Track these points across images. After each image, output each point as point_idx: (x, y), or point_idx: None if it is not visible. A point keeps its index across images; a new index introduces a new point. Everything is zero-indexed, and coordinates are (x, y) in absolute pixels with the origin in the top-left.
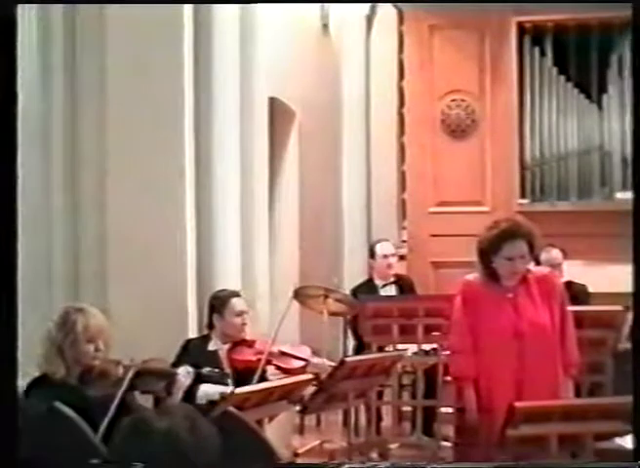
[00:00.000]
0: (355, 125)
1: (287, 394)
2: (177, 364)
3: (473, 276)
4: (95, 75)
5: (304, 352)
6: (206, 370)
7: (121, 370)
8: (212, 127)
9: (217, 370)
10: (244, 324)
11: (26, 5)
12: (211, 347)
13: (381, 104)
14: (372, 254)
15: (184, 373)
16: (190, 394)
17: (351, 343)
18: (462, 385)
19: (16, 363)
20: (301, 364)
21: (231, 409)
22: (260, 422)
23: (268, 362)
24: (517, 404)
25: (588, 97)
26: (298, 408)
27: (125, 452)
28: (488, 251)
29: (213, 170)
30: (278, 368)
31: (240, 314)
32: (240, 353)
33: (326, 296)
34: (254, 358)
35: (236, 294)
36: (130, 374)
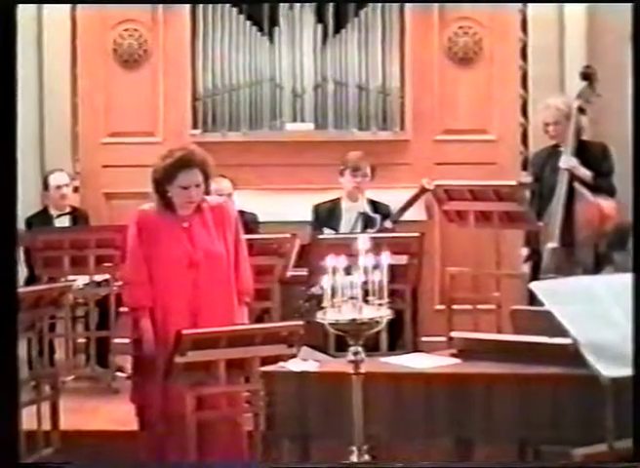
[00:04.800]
0: (27, 55)
1: None
2: None
3: (149, 206)
4: None
5: None
6: None
7: None
8: None
9: None
10: None
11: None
12: None
13: (55, 34)
14: (45, 186)
15: None
16: None
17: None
18: (138, 316)
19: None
20: None
21: None
22: None
23: None
24: (184, 331)
25: (260, 29)
26: None
27: None
28: (163, 180)
29: None
30: None
31: None
32: None
33: None
34: None
35: None
36: None
